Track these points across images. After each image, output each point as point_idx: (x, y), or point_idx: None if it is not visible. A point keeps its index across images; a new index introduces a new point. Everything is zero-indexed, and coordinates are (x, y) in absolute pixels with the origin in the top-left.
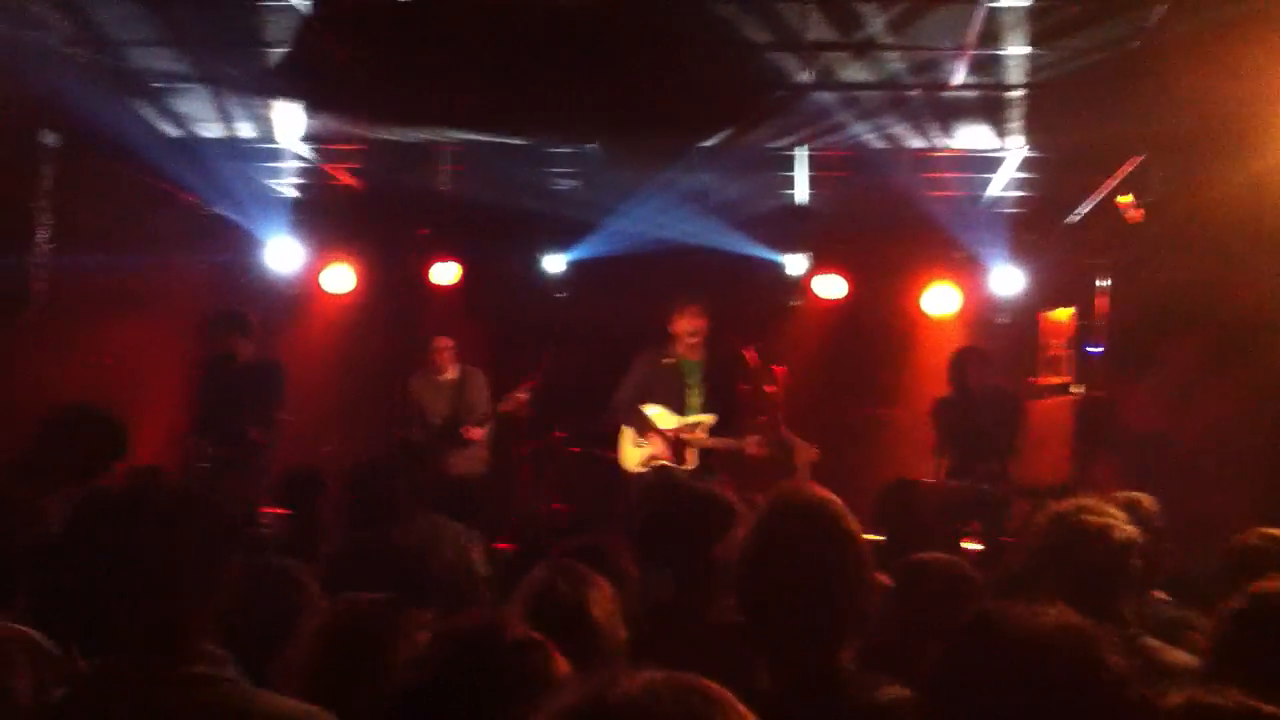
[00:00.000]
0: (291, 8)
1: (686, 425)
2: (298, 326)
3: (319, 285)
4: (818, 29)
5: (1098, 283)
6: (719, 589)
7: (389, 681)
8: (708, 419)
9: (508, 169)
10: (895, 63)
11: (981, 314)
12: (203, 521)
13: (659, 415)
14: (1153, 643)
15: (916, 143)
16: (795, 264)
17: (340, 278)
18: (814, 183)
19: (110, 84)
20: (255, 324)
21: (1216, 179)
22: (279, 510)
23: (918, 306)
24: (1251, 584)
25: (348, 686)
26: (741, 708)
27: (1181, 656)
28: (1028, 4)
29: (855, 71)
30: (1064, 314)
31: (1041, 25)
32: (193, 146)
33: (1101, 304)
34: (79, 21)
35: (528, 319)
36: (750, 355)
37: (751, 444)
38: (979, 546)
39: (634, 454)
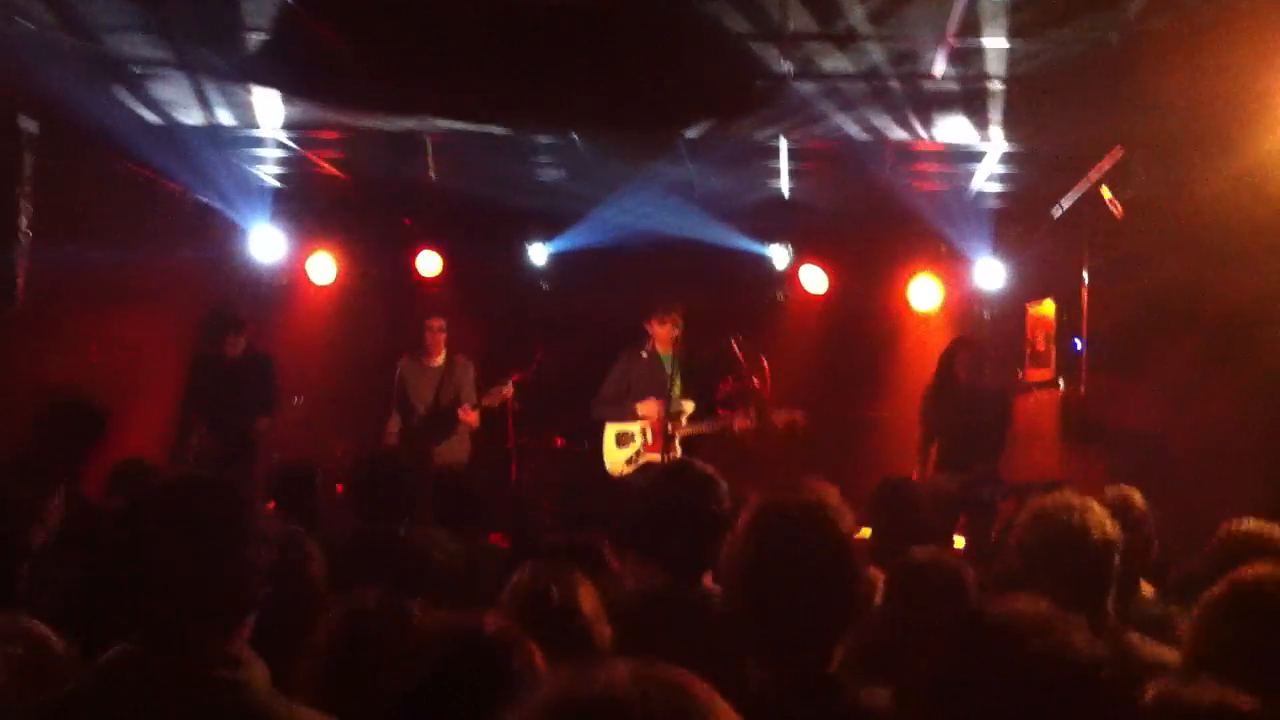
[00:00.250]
0: None
1: (669, 412)
2: (282, 317)
3: (303, 275)
4: (798, 19)
5: (1083, 275)
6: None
7: (381, 678)
8: (688, 406)
9: (491, 159)
10: (876, 53)
11: (965, 308)
12: (238, 517)
13: (643, 407)
14: (1134, 638)
15: (899, 135)
16: (780, 257)
17: (324, 267)
18: (796, 175)
19: (90, 70)
20: (246, 321)
21: (1198, 175)
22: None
23: (902, 300)
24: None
25: (356, 683)
26: (721, 702)
27: (1163, 651)
28: None
29: (836, 61)
30: (1048, 307)
31: (1022, 18)
32: (174, 133)
33: (1085, 297)
34: (58, 7)
35: (512, 310)
36: (735, 346)
37: (738, 419)
38: (964, 543)
39: (618, 455)
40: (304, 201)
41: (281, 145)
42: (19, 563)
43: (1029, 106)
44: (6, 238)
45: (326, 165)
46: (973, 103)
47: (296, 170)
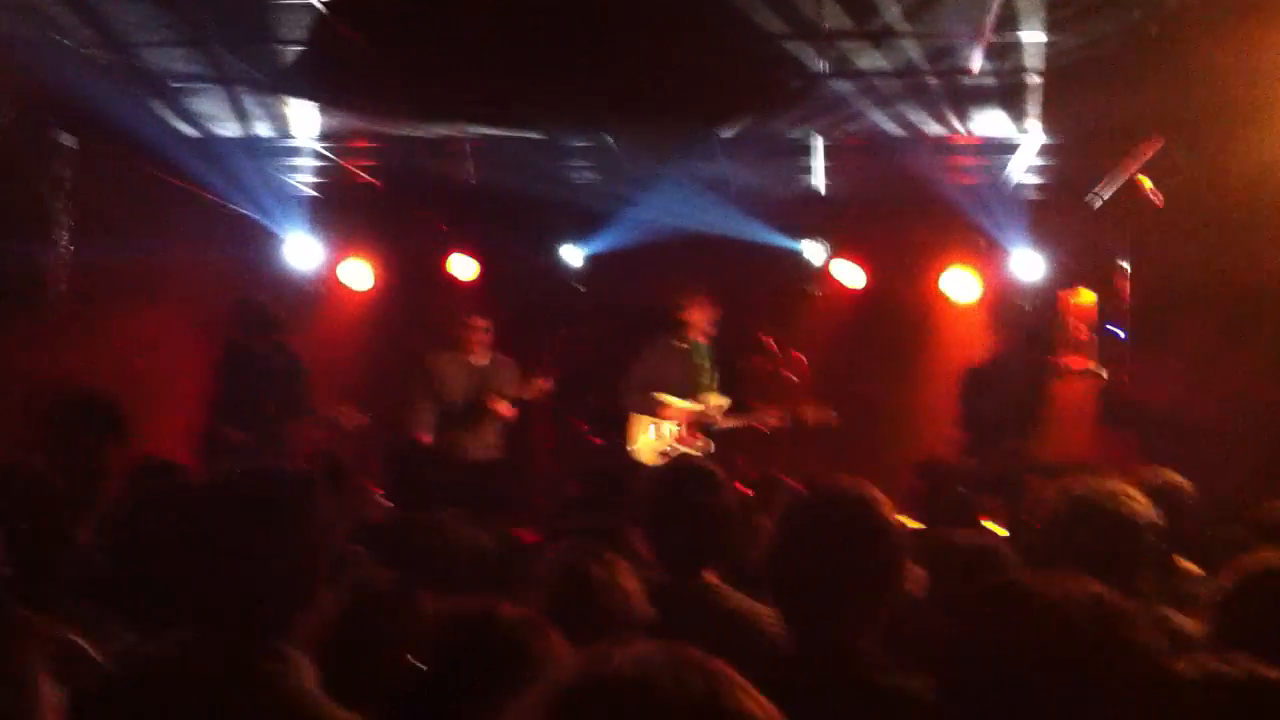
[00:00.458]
0: (307, 5)
1: (701, 407)
2: (317, 322)
3: (338, 281)
4: (834, 17)
5: (1119, 263)
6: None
7: (393, 661)
8: (724, 401)
9: (525, 162)
10: (912, 50)
11: (1002, 299)
12: (298, 514)
13: (673, 401)
14: (1165, 611)
15: (935, 129)
16: (814, 251)
17: (359, 274)
18: (831, 171)
19: (128, 85)
20: (284, 322)
21: (1236, 158)
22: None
23: (938, 292)
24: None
25: (361, 664)
26: (742, 680)
27: (1191, 624)
28: None
29: (872, 59)
30: (1087, 296)
31: (1058, 10)
32: (210, 145)
33: (1122, 285)
34: (96, 23)
35: (547, 312)
36: (769, 341)
37: (773, 416)
38: (997, 525)
39: (649, 443)
40: (339, 209)
41: (316, 154)
42: (60, 554)
43: (1066, 97)
44: (44, 247)
45: (361, 173)
46: (1009, 96)
47: (331, 178)
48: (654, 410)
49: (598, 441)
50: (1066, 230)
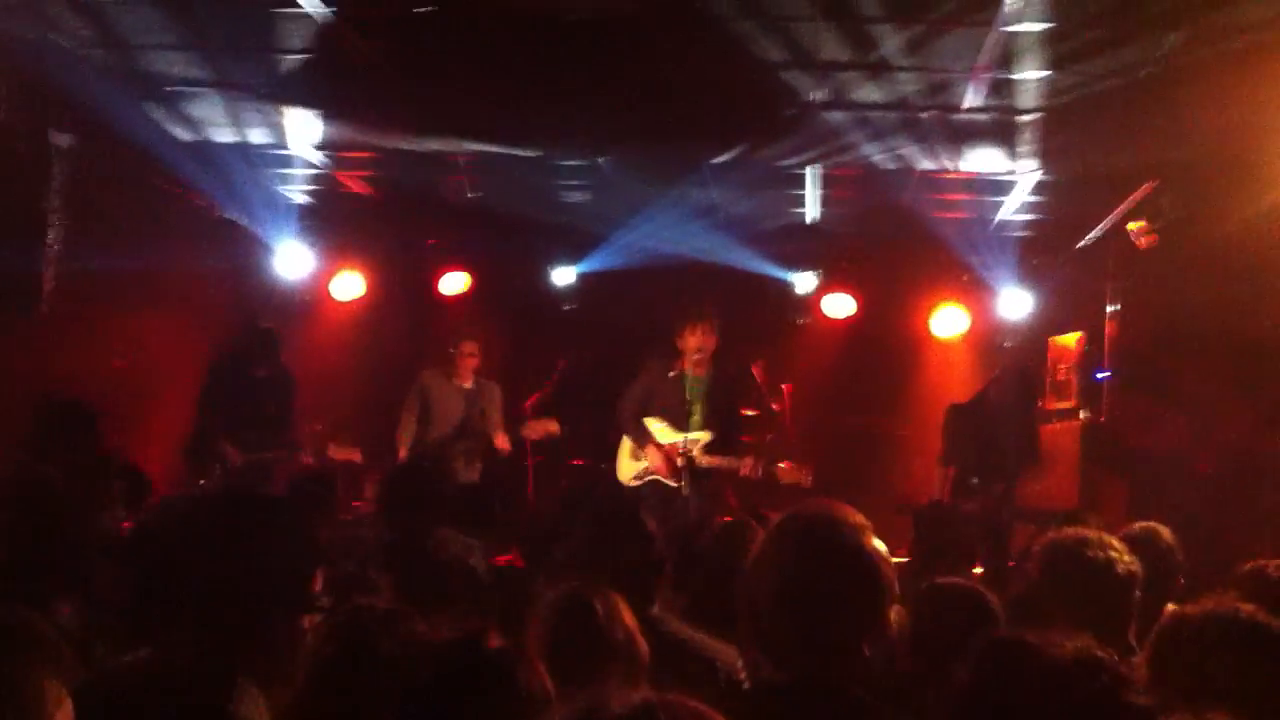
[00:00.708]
0: (307, 15)
1: (683, 442)
2: (307, 332)
3: (328, 292)
4: (831, 48)
5: (1107, 308)
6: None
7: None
8: (705, 436)
9: (519, 180)
10: (909, 84)
11: (989, 336)
12: (297, 534)
13: (660, 430)
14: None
15: (928, 164)
16: (804, 282)
17: (349, 285)
18: (824, 201)
19: (124, 87)
20: (280, 340)
21: (1229, 207)
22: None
23: (925, 327)
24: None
25: (346, 688)
26: None
27: None
28: (1042, 29)
29: (868, 92)
30: (1071, 338)
31: (1055, 50)
32: (205, 150)
33: (1110, 328)
34: (95, 24)
35: (537, 331)
36: (758, 371)
37: (746, 465)
38: (982, 569)
39: (629, 467)
40: (331, 219)
41: (310, 163)
42: (70, 557)
43: (1060, 138)
44: (34, 247)
45: (354, 183)
46: (1003, 134)
47: (324, 188)
48: (638, 439)
49: (578, 463)
50: (1054, 270)
